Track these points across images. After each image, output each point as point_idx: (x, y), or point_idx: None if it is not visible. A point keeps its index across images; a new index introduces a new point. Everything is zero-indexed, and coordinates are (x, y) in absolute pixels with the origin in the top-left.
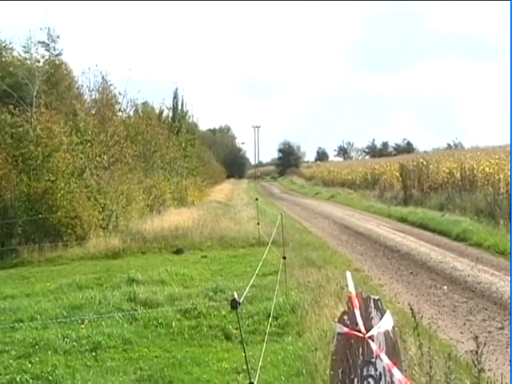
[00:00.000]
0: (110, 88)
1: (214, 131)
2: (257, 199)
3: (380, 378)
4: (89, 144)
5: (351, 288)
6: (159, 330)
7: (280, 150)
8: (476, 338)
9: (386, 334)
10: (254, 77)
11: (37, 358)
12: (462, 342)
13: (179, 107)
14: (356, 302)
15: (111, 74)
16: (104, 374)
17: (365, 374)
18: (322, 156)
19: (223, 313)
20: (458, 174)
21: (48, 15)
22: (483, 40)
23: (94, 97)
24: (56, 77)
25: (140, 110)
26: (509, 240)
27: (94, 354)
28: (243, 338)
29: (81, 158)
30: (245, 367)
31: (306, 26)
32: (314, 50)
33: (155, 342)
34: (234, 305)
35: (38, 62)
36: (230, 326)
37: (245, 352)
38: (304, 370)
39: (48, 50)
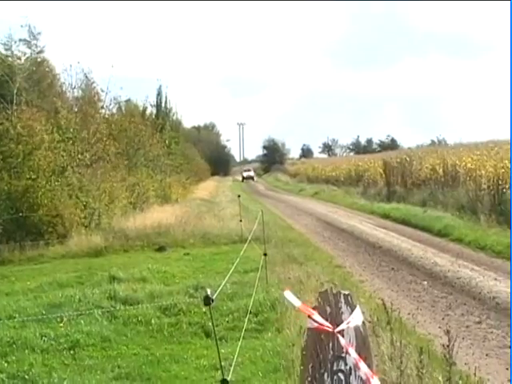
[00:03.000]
0: (93, 85)
1: (198, 128)
2: (239, 196)
3: (350, 373)
4: (71, 142)
5: (296, 304)
6: (138, 328)
7: (265, 147)
8: (448, 332)
9: (357, 328)
10: (239, 74)
11: (13, 357)
12: (440, 337)
13: (163, 104)
14: (310, 310)
15: (94, 72)
16: (81, 373)
17: (335, 368)
18: (306, 153)
19: (203, 310)
20: (441, 170)
21: (29, 12)
22: (466, 38)
23: (76, 94)
24: (38, 74)
25: (123, 108)
26: (489, 235)
27: (72, 352)
28: (217, 335)
29: (62, 156)
30: (223, 364)
31: (291, 23)
32: (299, 47)
33: (134, 339)
34: (207, 301)
35: (19, 59)
36: (210, 323)
37: (217, 348)
38: (281, 366)
39: (29, 48)
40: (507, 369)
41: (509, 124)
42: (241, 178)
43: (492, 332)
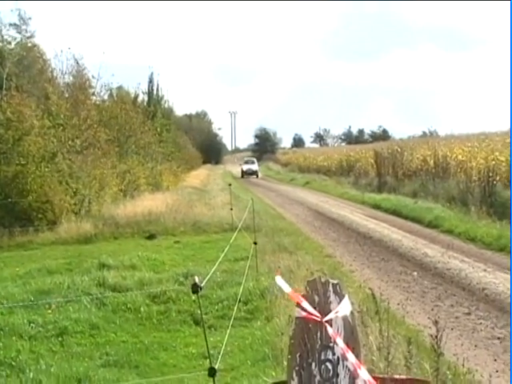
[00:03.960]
0: (84, 72)
1: (190, 116)
2: (230, 184)
3: (338, 362)
4: (61, 128)
5: (286, 289)
6: (127, 315)
7: (256, 136)
8: (436, 322)
9: (345, 318)
10: (231, 63)
11: (0, 344)
12: (429, 328)
13: (155, 92)
14: (299, 298)
15: (85, 58)
16: (69, 360)
17: (322, 358)
18: (298, 142)
19: (193, 298)
20: (432, 161)
21: None
22: (458, 31)
23: (67, 80)
24: (28, 59)
25: (114, 95)
26: (479, 227)
27: (60, 339)
28: (206, 324)
29: (52, 142)
30: (212, 352)
31: (284, 13)
32: (291, 37)
33: (123, 327)
34: (195, 289)
35: (9, 44)
36: (199, 311)
37: (205, 336)
38: (270, 355)
39: (19, 33)
40: (495, 360)
41: (503, 116)
42: (239, 172)
43: (481, 323)
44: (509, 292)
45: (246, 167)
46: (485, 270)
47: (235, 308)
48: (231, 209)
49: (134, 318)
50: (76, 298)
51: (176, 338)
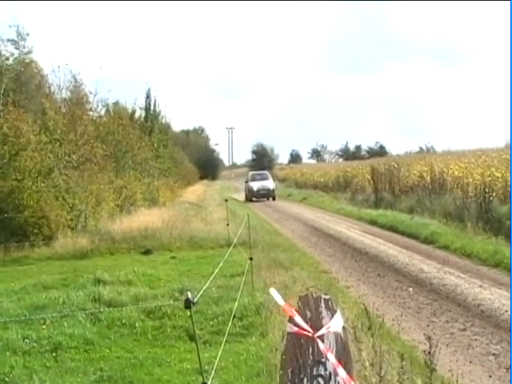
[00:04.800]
0: (81, 87)
1: (187, 132)
2: (226, 200)
3: (330, 378)
4: (58, 143)
5: (280, 302)
6: (122, 331)
7: (254, 152)
8: (429, 338)
9: (337, 333)
10: (228, 78)
11: None
12: (424, 343)
13: (152, 107)
14: (293, 311)
15: (82, 73)
16: (63, 375)
17: (314, 373)
18: (295, 158)
19: (188, 313)
20: (429, 177)
21: (17, 12)
22: (451, 43)
23: (64, 96)
24: (25, 75)
25: (111, 110)
26: (475, 243)
27: (54, 354)
28: (199, 339)
29: (49, 158)
30: (207, 368)
31: (280, 28)
32: (287, 51)
33: (118, 342)
34: (188, 304)
35: (7, 59)
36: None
37: (198, 351)
38: (264, 371)
39: (17, 48)
40: (490, 376)
41: (499, 132)
42: (243, 191)
43: (476, 339)
44: (504, 308)
45: (256, 185)
46: (480, 286)
47: (230, 323)
48: (228, 224)
49: (129, 333)
50: (71, 313)
51: (171, 353)
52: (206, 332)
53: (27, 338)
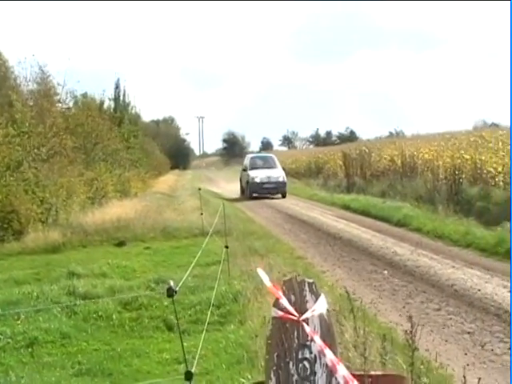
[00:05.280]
0: (49, 79)
1: (157, 122)
2: (199, 189)
3: (315, 361)
4: (26, 136)
5: (267, 283)
6: (99, 323)
7: (224, 141)
8: (410, 317)
9: (321, 316)
10: (198, 67)
11: None
12: (401, 325)
13: (121, 98)
14: (279, 293)
15: (49, 65)
16: (40, 370)
17: (300, 357)
18: (266, 146)
19: (165, 303)
20: (399, 161)
21: None
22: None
23: (31, 88)
24: None
25: (80, 102)
26: (447, 224)
27: (30, 350)
28: (182, 328)
29: (17, 151)
30: (187, 357)
31: (249, 16)
32: (256, 39)
33: (95, 335)
34: (170, 293)
35: None
36: (172, 317)
37: (181, 340)
38: (245, 358)
39: None
40: (466, 354)
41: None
42: (218, 181)
43: (451, 318)
44: (477, 287)
45: (259, 175)
46: (453, 267)
47: (209, 312)
48: (201, 213)
49: (106, 325)
50: (46, 307)
51: (149, 344)
52: (184, 321)
53: (1, 335)
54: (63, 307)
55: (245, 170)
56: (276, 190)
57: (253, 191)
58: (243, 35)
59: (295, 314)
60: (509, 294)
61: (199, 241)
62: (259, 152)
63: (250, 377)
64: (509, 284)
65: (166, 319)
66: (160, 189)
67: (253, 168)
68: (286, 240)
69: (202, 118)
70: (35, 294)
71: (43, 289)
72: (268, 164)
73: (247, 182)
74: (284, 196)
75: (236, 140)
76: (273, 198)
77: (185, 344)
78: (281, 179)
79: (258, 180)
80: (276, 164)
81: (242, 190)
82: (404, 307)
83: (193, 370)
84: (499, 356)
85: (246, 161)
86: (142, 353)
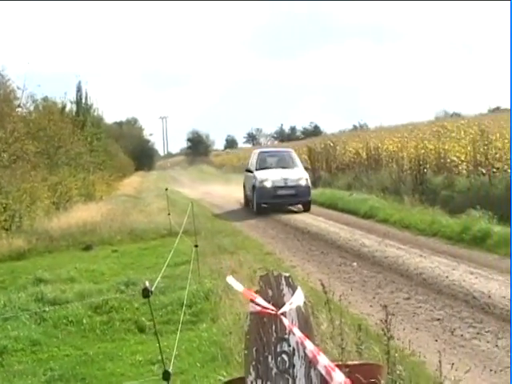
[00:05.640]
0: (8, 83)
1: (120, 124)
2: (166, 189)
3: (293, 353)
4: None
5: (239, 288)
6: (69, 329)
7: (189, 140)
8: (385, 307)
9: (298, 309)
10: (160, 67)
11: None
12: (373, 315)
13: (83, 101)
14: (253, 294)
15: (8, 69)
16: (11, 379)
17: (278, 350)
18: (231, 143)
19: (136, 306)
20: (364, 153)
21: None
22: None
23: None
24: None
25: (41, 106)
26: (413, 214)
27: None
28: (156, 328)
29: None
30: (159, 358)
31: (210, 14)
32: (218, 37)
33: (66, 340)
34: (146, 293)
35: None
36: (144, 318)
37: (158, 339)
38: (219, 355)
39: None
40: (436, 340)
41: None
42: (184, 181)
43: (420, 307)
44: (445, 275)
45: (270, 177)
46: (421, 256)
47: (182, 311)
48: (168, 214)
49: (77, 330)
50: (14, 315)
51: (121, 347)
52: (156, 322)
53: None
54: (32, 314)
55: (250, 170)
56: (296, 198)
57: (261, 200)
58: (205, 33)
59: (272, 308)
60: (476, 280)
61: (167, 241)
62: (224, 149)
63: (225, 374)
64: (475, 270)
65: (137, 321)
66: (125, 191)
67: (262, 168)
68: (255, 236)
69: (166, 118)
70: (2, 302)
71: (10, 297)
72: (284, 162)
73: (253, 188)
74: (307, 208)
75: (200, 139)
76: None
77: (157, 345)
78: (302, 182)
79: (268, 184)
80: (295, 162)
81: (247, 200)
82: (374, 298)
83: (170, 369)
84: (468, 341)
85: (253, 158)
86: (115, 356)
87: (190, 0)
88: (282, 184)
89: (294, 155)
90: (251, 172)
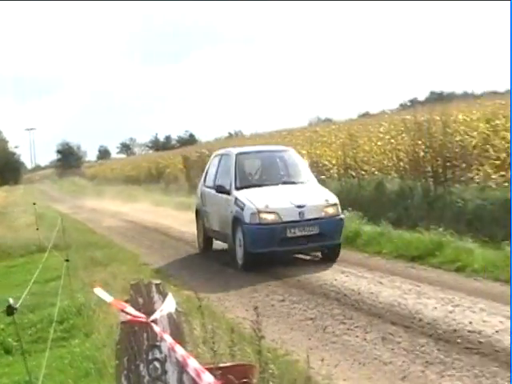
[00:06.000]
0: None
1: None
2: (34, 203)
3: (165, 360)
4: None
5: (107, 299)
6: None
7: (59, 151)
8: (256, 308)
9: (170, 316)
10: (24, 77)
11: None
12: (248, 319)
13: None
14: (122, 304)
15: None
16: None
17: (150, 357)
18: (104, 154)
19: (1, 326)
20: None
21: None
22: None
23: None
24: None
25: None
26: None
27: None
28: (23, 348)
29: None
30: (27, 378)
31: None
32: (89, 44)
33: None
34: (10, 311)
35: None
36: (10, 339)
37: (25, 361)
38: (92, 370)
39: None
40: (310, 339)
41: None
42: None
43: (294, 307)
44: (317, 275)
45: (271, 205)
46: (295, 258)
47: (52, 328)
48: (37, 229)
49: None
50: None
51: None
52: (24, 342)
53: None
54: None
55: (221, 190)
56: (321, 240)
57: (257, 248)
58: (75, 40)
59: (142, 316)
60: (347, 278)
61: (37, 257)
62: (97, 161)
63: None
64: (346, 269)
65: (2, 342)
66: None
67: (246, 184)
68: (130, 247)
69: (33, 129)
70: None
71: None
72: (285, 171)
73: (235, 223)
74: (334, 255)
75: (71, 150)
76: (118, 210)
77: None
78: (330, 210)
79: (271, 218)
80: (302, 170)
81: (208, 241)
82: (250, 301)
83: None
84: (339, 337)
85: (223, 165)
86: None
87: (56, 0)
88: (296, 217)
89: (298, 157)
90: (225, 193)
